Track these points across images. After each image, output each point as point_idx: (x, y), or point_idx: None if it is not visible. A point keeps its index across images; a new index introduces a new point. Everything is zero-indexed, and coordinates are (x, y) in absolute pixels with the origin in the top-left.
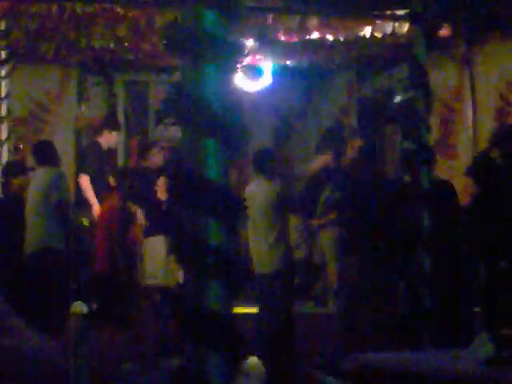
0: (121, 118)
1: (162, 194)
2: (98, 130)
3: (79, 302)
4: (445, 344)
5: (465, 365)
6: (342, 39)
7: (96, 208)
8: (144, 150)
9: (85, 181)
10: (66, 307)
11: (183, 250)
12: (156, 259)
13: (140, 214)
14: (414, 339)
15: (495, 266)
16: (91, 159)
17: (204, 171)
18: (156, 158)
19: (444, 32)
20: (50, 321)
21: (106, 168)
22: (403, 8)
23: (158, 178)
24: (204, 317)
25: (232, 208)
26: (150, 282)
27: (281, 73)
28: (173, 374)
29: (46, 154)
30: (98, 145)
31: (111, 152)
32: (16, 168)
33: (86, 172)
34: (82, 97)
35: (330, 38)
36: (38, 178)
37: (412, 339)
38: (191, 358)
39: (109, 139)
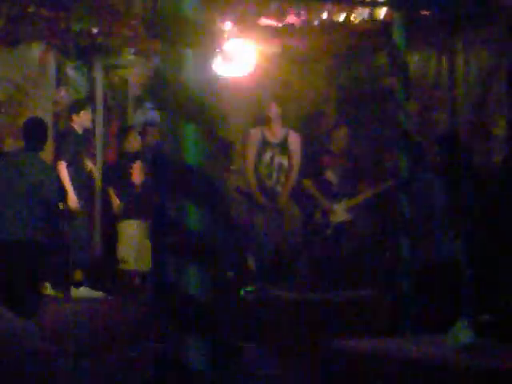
0: (100, 102)
1: (136, 177)
2: (67, 117)
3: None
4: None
5: (443, 351)
6: (320, 24)
7: (72, 197)
8: (122, 133)
9: (62, 168)
10: (39, 298)
11: (162, 233)
12: (128, 244)
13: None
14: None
15: (476, 250)
16: (65, 145)
17: (183, 156)
18: (134, 142)
19: (424, 19)
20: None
21: (82, 152)
22: None
23: (134, 161)
24: (183, 301)
25: (211, 193)
26: (122, 266)
27: (260, 58)
28: (153, 359)
29: (38, 136)
30: (71, 130)
31: (88, 134)
32: None
33: (63, 158)
34: (61, 81)
35: (310, 22)
36: (29, 166)
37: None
38: (171, 342)
39: (80, 122)
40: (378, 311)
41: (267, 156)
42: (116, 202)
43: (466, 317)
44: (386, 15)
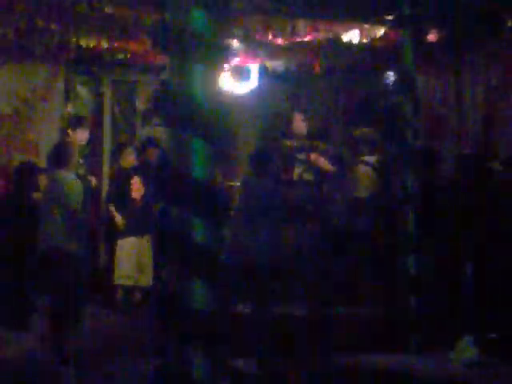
0: (107, 117)
1: (136, 193)
2: (63, 131)
3: None
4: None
5: (448, 368)
6: (329, 42)
7: None
8: (117, 150)
9: None
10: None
11: (168, 248)
12: (129, 260)
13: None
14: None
15: (483, 270)
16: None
17: (190, 170)
18: (129, 158)
19: (432, 38)
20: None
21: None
22: (392, 13)
23: (132, 177)
24: (188, 315)
25: (217, 206)
26: (125, 282)
27: (268, 75)
28: (156, 374)
29: (69, 156)
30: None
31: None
32: (29, 169)
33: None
34: (68, 95)
35: (317, 41)
36: (68, 183)
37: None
38: (175, 357)
39: (74, 138)
40: (382, 327)
41: None
42: (118, 218)
43: (471, 334)
44: (389, 33)
